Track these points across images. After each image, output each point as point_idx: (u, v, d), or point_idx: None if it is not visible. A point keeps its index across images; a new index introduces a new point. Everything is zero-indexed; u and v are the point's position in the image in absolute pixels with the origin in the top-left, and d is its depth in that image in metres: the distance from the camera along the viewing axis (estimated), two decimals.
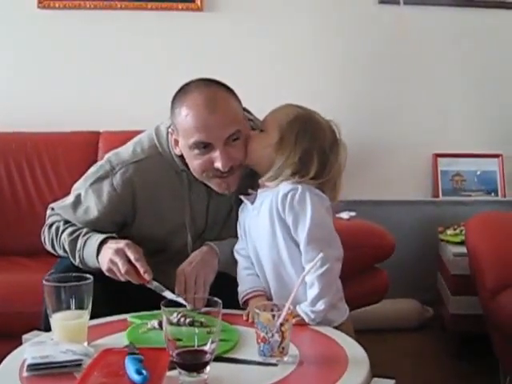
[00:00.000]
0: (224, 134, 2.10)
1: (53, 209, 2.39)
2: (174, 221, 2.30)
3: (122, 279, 2.08)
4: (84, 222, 2.29)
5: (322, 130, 2.13)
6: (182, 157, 2.23)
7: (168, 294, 2.00)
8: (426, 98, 4.10)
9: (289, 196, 1.99)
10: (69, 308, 1.79)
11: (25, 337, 1.94)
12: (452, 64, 4.09)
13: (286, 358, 1.70)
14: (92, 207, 2.27)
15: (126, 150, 2.30)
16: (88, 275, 1.85)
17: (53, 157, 3.42)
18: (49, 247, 2.36)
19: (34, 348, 1.71)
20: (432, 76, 4.09)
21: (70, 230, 2.28)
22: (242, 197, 2.16)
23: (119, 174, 2.24)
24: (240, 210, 2.21)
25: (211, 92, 2.15)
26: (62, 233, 2.28)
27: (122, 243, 2.12)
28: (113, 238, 2.19)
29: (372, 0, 4.02)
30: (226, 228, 2.35)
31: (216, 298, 1.60)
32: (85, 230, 2.26)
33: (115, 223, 2.30)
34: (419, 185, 4.13)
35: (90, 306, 1.81)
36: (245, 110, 2.39)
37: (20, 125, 3.62)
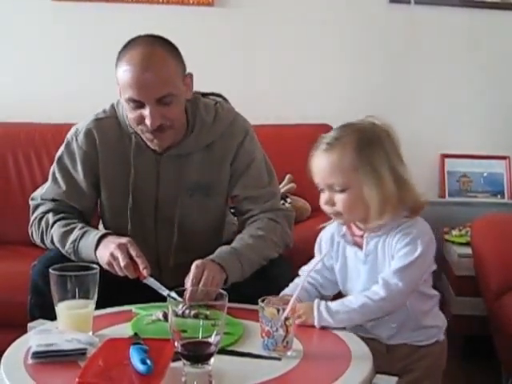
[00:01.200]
0: (154, 95, 2.16)
1: (32, 199, 2.43)
2: (122, 184, 2.35)
3: (120, 274, 2.10)
4: (68, 191, 2.35)
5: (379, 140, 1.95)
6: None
7: (164, 291, 2.02)
8: (435, 98, 4.09)
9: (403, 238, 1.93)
10: (74, 297, 1.79)
11: (30, 325, 1.95)
12: (461, 64, 4.08)
13: (289, 353, 1.70)
14: (71, 171, 2.36)
15: (89, 117, 2.42)
16: (94, 265, 1.86)
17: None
18: (37, 240, 2.38)
19: (38, 336, 1.72)
20: (441, 76, 4.08)
21: (63, 222, 2.30)
22: (349, 247, 2.03)
23: (82, 133, 2.36)
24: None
25: (149, 50, 2.19)
26: (53, 224, 2.30)
27: (124, 239, 2.15)
28: (111, 234, 2.22)
29: None
30: (187, 213, 2.36)
31: (222, 291, 1.61)
32: (81, 225, 2.28)
33: (94, 187, 2.37)
34: (426, 185, 4.10)
35: (95, 296, 1.82)
36: (220, 96, 2.48)
37: (29, 115, 3.63)
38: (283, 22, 3.97)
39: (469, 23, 4.04)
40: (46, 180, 2.46)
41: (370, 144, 1.90)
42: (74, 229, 2.26)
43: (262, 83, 3.94)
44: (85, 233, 2.23)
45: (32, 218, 2.39)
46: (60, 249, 2.26)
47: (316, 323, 1.87)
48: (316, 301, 1.90)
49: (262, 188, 2.41)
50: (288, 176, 3.45)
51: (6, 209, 3.48)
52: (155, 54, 2.19)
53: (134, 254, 2.09)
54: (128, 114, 2.26)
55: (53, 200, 2.37)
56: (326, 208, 1.95)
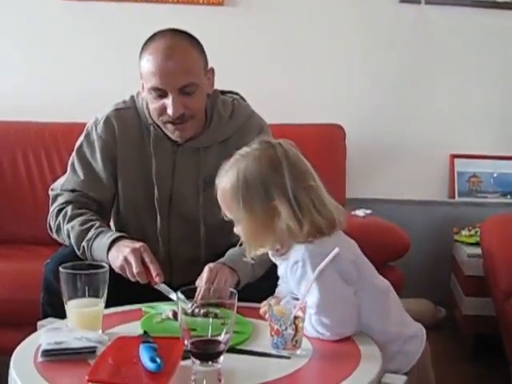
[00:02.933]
0: (177, 83, 2.19)
1: (52, 189, 2.44)
2: (144, 176, 2.37)
3: (132, 279, 2.10)
4: (87, 181, 2.37)
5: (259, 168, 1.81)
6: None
7: (173, 296, 2.02)
8: (445, 98, 4.09)
9: (294, 269, 1.82)
10: (84, 296, 1.80)
11: (40, 323, 1.95)
12: (472, 65, 4.07)
13: (298, 352, 1.70)
14: (90, 160, 2.38)
15: (109, 107, 2.44)
16: (104, 264, 1.87)
17: (71, 147, 3.41)
18: (54, 233, 2.39)
19: (49, 334, 1.72)
20: (451, 77, 4.08)
21: (82, 218, 2.29)
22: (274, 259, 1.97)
23: (102, 121, 2.39)
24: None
25: (173, 41, 2.25)
26: (71, 220, 2.30)
27: (138, 244, 2.14)
28: (126, 237, 2.22)
29: None
30: (202, 206, 2.37)
31: (232, 289, 1.61)
32: (98, 223, 2.28)
33: (113, 176, 2.38)
34: (435, 185, 4.12)
35: (105, 295, 1.82)
36: (238, 94, 2.51)
37: (39, 114, 3.64)
38: (293, 22, 3.97)
39: (480, 23, 4.03)
40: (56, 179, 2.47)
41: (243, 176, 1.80)
42: (90, 228, 2.25)
43: (273, 82, 3.95)
44: (100, 233, 2.23)
45: (51, 210, 2.39)
46: (74, 246, 2.26)
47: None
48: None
49: None
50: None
51: (18, 208, 3.49)
52: (179, 45, 2.24)
53: (147, 260, 2.09)
54: (150, 105, 2.29)
55: (72, 191, 2.38)
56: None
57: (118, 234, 2.22)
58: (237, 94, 2.54)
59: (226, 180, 1.83)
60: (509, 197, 4.08)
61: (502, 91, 4.09)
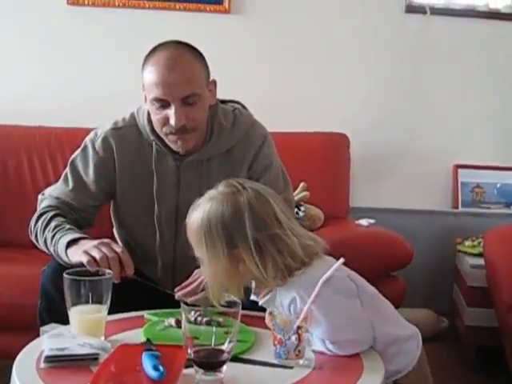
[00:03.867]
0: (179, 93, 2.21)
1: (43, 194, 2.45)
2: (145, 193, 2.37)
3: (105, 269, 1.98)
4: (74, 191, 2.37)
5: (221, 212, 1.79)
6: (152, 125, 2.34)
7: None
8: (449, 108, 4.09)
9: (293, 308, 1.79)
10: (87, 302, 1.80)
11: (43, 329, 1.95)
12: (475, 75, 4.08)
13: (301, 361, 1.70)
14: (81, 173, 2.39)
15: (109, 122, 2.44)
16: (108, 270, 1.87)
17: (76, 151, 3.43)
18: (32, 236, 2.37)
19: (51, 340, 1.72)
20: (455, 87, 4.08)
21: (54, 223, 2.28)
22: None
23: (100, 139, 2.39)
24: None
25: (175, 52, 2.26)
26: (47, 225, 2.29)
27: (106, 239, 2.15)
28: (87, 238, 2.20)
29: (399, 9, 4.02)
30: None
31: (235, 299, 1.61)
32: (67, 226, 2.26)
33: (104, 192, 2.40)
34: (439, 195, 4.12)
35: (108, 302, 1.82)
36: (239, 103, 2.51)
37: (45, 119, 3.65)
38: (299, 30, 3.98)
39: (484, 34, 4.04)
40: None
41: (207, 223, 1.78)
42: (59, 231, 2.24)
43: (277, 90, 3.95)
44: (65, 234, 2.22)
45: (35, 214, 2.39)
46: (45, 248, 2.27)
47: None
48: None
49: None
50: (302, 184, 3.45)
51: (20, 212, 3.48)
52: (181, 56, 2.25)
53: (118, 250, 2.08)
54: (153, 117, 2.29)
55: (57, 198, 2.39)
56: None
57: (78, 235, 2.19)
58: (237, 102, 2.54)
59: (192, 219, 1.82)
60: None
61: (507, 102, 4.09)
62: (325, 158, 3.61)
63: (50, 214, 2.33)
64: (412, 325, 1.95)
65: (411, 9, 4.01)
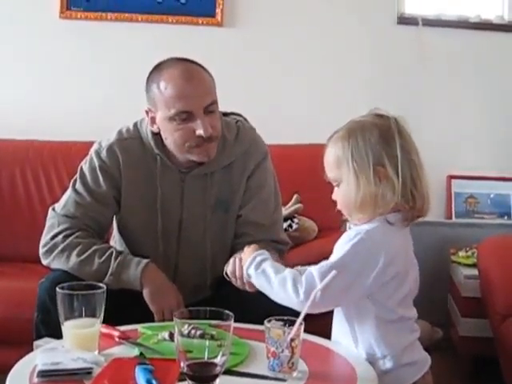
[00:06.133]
0: (202, 102, 2.23)
1: (54, 209, 2.43)
2: (149, 205, 2.38)
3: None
4: (86, 206, 2.36)
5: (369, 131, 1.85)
6: (157, 139, 2.35)
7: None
8: (442, 119, 4.10)
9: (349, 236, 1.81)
10: (81, 316, 1.79)
11: (36, 343, 1.95)
12: (469, 86, 4.10)
13: (295, 374, 1.70)
14: (90, 184, 2.38)
15: (113, 133, 2.43)
16: (100, 284, 1.86)
17: (69, 166, 3.42)
18: (50, 257, 2.34)
19: (45, 355, 1.71)
20: (448, 98, 4.10)
21: (95, 248, 2.30)
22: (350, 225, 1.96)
23: (105, 150, 2.38)
24: None
25: (186, 65, 2.29)
26: (84, 251, 2.29)
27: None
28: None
29: (391, 21, 4.04)
30: (209, 231, 2.39)
31: (228, 312, 1.61)
32: (115, 253, 2.30)
33: (116, 200, 2.40)
34: (432, 205, 4.03)
35: (101, 315, 1.81)
36: (240, 115, 2.54)
37: (38, 133, 3.65)
38: (291, 43, 4.00)
39: (477, 45, 4.06)
40: (54, 198, 2.47)
41: (354, 142, 1.83)
42: (110, 258, 2.28)
43: (271, 102, 3.96)
44: (122, 263, 2.27)
45: (53, 233, 2.36)
46: (91, 278, 2.19)
47: (244, 267, 1.89)
48: (262, 251, 1.90)
49: (267, 215, 2.44)
50: (295, 196, 3.45)
51: (14, 225, 3.49)
52: (193, 68, 2.29)
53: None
54: (173, 134, 2.28)
55: (73, 216, 2.36)
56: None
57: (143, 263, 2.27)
58: (239, 115, 2.55)
59: (337, 139, 1.87)
60: (506, 218, 4.09)
61: (500, 113, 4.11)
62: (318, 169, 3.61)
63: (77, 234, 2.33)
64: (424, 353, 1.95)
65: (403, 20, 4.03)
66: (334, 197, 1.90)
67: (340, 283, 1.74)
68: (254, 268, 1.86)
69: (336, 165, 1.85)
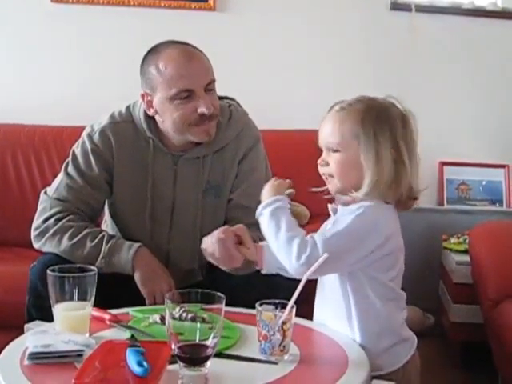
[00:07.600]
0: (204, 81, 2.26)
1: (46, 192, 2.42)
2: (140, 189, 2.38)
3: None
4: (78, 190, 2.36)
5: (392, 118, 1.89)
6: (149, 122, 2.35)
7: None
8: (434, 105, 4.09)
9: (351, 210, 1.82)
10: (72, 299, 1.79)
11: (27, 326, 1.94)
12: (461, 73, 4.10)
13: (286, 357, 1.70)
14: (82, 167, 2.38)
15: (105, 116, 2.43)
16: (92, 267, 1.86)
17: (61, 150, 3.42)
18: (42, 240, 2.35)
19: (35, 337, 1.71)
20: (441, 84, 4.10)
21: (87, 231, 2.31)
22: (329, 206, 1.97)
23: (98, 133, 2.39)
24: None
25: (183, 46, 2.31)
26: (76, 234, 2.29)
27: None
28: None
29: (384, 6, 4.03)
30: (201, 215, 2.39)
31: (219, 294, 1.60)
32: (106, 236, 2.31)
33: (108, 183, 2.40)
34: (424, 192, 4.08)
35: (92, 298, 1.81)
36: (233, 100, 2.55)
37: (29, 117, 3.63)
38: (284, 27, 3.98)
39: (470, 32, 4.06)
40: (45, 182, 2.46)
41: (378, 119, 1.84)
42: (101, 242, 2.28)
43: (263, 87, 3.95)
44: (114, 247, 2.28)
45: (44, 216, 2.36)
46: (82, 260, 2.19)
47: (261, 205, 1.92)
48: (283, 197, 1.95)
49: (258, 199, 2.42)
50: (287, 181, 3.44)
51: (5, 210, 3.48)
52: (190, 48, 2.32)
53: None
54: (173, 114, 2.27)
55: (65, 199, 2.36)
56: (320, 169, 1.93)
57: (135, 247, 2.27)
58: (232, 99, 2.54)
59: (357, 112, 1.85)
60: (497, 204, 4.09)
61: (492, 99, 4.11)
62: (311, 155, 3.59)
63: (68, 217, 2.33)
64: (411, 332, 1.96)
65: (396, 6, 4.02)
66: (322, 164, 1.92)
67: (344, 246, 1.77)
68: (269, 211, 1.88)
69: (350, 135, 1.83)
